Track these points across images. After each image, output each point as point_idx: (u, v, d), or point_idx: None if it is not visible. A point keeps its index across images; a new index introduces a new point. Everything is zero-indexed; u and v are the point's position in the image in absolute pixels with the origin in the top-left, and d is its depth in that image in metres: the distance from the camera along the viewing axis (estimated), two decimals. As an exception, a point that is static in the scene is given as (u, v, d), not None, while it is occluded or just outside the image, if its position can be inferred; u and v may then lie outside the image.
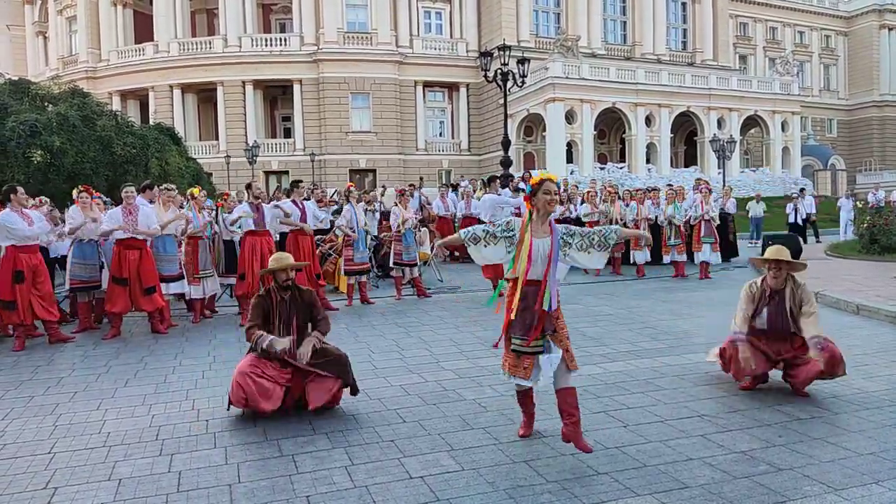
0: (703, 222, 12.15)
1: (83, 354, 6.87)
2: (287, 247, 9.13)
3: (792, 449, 3.82)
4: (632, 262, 12.82)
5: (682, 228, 12.26)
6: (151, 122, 29.98)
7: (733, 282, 11.65)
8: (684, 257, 12.32)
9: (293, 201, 9.30)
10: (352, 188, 10.51)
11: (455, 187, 18.85)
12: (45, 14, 46.30)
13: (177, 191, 9.23)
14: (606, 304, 9.25)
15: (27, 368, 6.30)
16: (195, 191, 9.41)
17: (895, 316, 7.54)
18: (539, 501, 3.23)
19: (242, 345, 7.10)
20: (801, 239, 15.56)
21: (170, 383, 5.60)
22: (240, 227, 8.54)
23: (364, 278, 10.06)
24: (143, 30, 42.61)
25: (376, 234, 12.48)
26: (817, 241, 19.95)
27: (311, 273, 9.04)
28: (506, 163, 19.81)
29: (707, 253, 12.10)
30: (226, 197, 10.29)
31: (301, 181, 10.05)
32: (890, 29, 57.45)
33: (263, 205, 8.82)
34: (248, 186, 8.90)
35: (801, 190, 23.77)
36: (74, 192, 8.33)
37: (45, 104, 18.35)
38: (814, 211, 21.18)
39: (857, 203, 20.10)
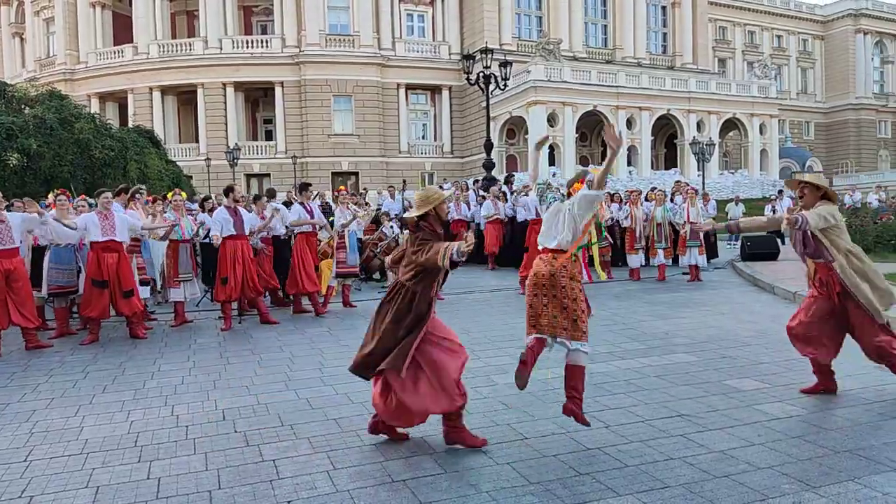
0: (688, 225, 11.95)
1: (60, 360, 6.77)
2: (297, 247, 9.25)
3: (770, 447, 3.86)
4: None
5: (671, 232, 12.25)
6: (130, 124, 29.70)
7: (713, 283, 11.78)
8: (669, 262, 12.32)
9: (301, 203, 9.39)
10: (342, 192, 10.57)
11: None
12: (22, 15, 45.71)
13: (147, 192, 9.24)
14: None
15: (2, 375, 6.19)
16: (170, 194, 9.33)
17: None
18: (521, 503, 3.23)
19: (223, 349, 7.06)
20: (778, 240, 15.73)
21: (148, 389, 5.53)
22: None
23: (349, 282, 10.05)
24: (122, 31, 42.23)
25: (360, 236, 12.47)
26: (795, 242, 20.19)
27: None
28: (489, 165, 19.85)
29: (693, 256, 12.04)
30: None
31: (310, 184, 10.20)
32: (865, 33, 58.50)
33: (242, 210, 8.71)
34: (230, 189, 8.77)
35: (780, 191, 24.06)
36: (51, 196, 8.23)
37: (22, 106, 18.11)
38: (792, 212, 21.42)
39: (834, 204, 20.37)
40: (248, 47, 40.41)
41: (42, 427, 4.60)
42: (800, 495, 3.24)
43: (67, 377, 6.03)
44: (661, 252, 12.29)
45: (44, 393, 5.51)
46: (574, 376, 4.08)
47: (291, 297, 9.54)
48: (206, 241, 9.28)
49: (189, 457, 3.97)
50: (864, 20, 58.30)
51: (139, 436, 4.36)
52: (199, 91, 39.81)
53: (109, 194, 7.99)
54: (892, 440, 3.92)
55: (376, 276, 12.55)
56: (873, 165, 57.44)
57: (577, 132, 37.93)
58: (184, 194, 9.46)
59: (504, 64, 20.51)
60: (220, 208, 8.79)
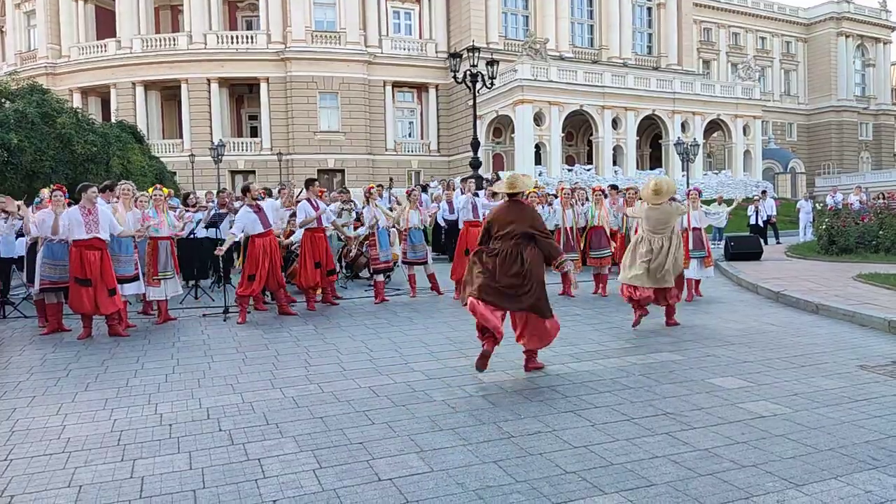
0: (690, 232, 9.88)
1: (42, 358, 6.68)
2: (304, 244, 9.43)
3: (754, 446, 3.90)
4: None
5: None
6: (113, 119, 29.35)
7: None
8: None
9: (308, 200, 9.49)
10: (372, 189, 10.68)
11: (425, 188, 18.80)
12: (2, 8, 45.00)
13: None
14: (574, 305, 9.34)
15: (-18, 373, 6.10)
16: (150, 190, 9.21)
17: (853, 315, 7.75)
18: (508, 501, 3.24)
19: (207, 347, 7.01)
20: (762, 240, 15.90)
21: (132, 387, 5.48)
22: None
23: (380, 277, 10.36)
24: (105, 25, 41.71)
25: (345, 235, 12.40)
26: (777, 242, 20.43)
27: (325, 269, 9.50)
28: (475, 164, 19.87)
29: (695, 269, 9.81)
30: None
31: (316, 180, 10.25)
32: (847, 36, 59.20)
33: (263, 204, 9.05)
34: (246, 189, 9.04)
35: (763, 192, 24.29)
36: (46, 192, 8.19)
37: (2, 101, 17.87)
38: (774, 213, 21.68)
39: (816, 205, 20.63)
40: (233, 43, 40.03)
41: (23, 426, 4.54)
42: (783, 493, 3.28)
43: (49, 375, 5.96)
44: None
45: (25, 391, 5.44)
46: None
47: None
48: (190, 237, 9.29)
49: (173, 456, 3.93)
50: (846, 23, 59.00)
51: (122, 434, 4.31)
52: (184, 86, 39.40)
53: (95, 189, 7.86)
54: (873, 438, 3.98)
55: (363, 273, 12.50)
56: (854, 167, 58.18)
57: (563, 131, 38.04)
58: (165, 190, 9.36)
59: (491, 63, 20.54)
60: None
